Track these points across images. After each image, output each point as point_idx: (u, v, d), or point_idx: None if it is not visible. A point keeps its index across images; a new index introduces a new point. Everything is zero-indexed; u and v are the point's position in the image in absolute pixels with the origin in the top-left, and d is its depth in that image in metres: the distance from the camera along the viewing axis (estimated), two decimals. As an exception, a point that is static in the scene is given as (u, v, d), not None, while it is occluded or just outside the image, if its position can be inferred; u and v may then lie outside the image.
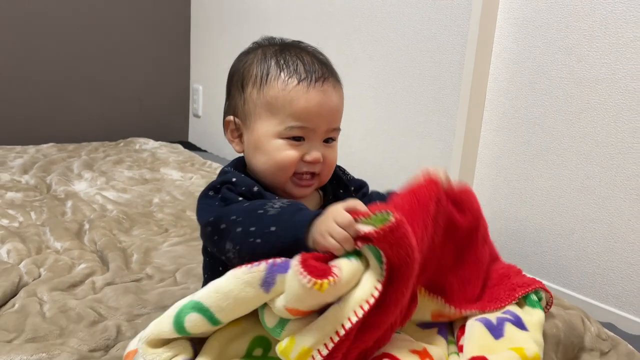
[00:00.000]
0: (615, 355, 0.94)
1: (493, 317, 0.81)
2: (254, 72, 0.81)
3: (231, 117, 0.84)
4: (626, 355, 0.94)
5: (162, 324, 0.65)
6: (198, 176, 1.91)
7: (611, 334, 1.00)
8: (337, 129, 0.84)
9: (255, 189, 0.77)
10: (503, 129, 1.41)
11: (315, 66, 0.80)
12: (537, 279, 1.29)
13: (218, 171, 2.16)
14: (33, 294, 0.99)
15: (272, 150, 0.79)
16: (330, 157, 0.82)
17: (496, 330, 0.78)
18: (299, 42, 0.85)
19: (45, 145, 2.18)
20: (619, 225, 1.20)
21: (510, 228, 1.41)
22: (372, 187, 0.97)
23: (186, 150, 2.33)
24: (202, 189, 1.66)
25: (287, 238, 0.64)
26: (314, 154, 0.79)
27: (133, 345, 0.71)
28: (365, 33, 1.73)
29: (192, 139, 2.75)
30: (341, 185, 0.92)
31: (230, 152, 2.45)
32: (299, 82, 0.78)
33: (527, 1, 1.32)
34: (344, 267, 0.61)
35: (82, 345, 0.83)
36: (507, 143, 1.41)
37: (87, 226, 1.36)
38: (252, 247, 0.66)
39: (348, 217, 0.62)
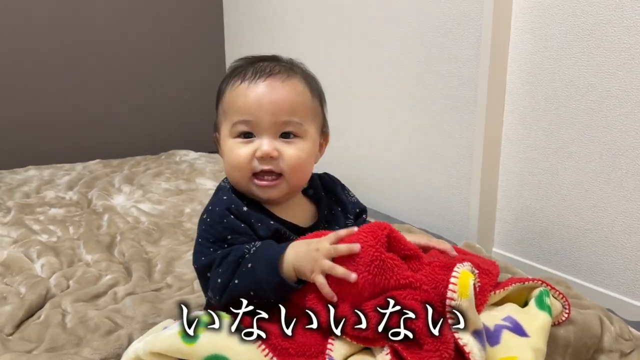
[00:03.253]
0: (638, 356, 0.89)
1: (491, 323, 0.79)
2: (221, 88, 0.85)
3: (214, 133, 0.88)
4: (649, 356, 0.89)
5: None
6: (231, 185, 1.95)
7: (637, 333, 0.95)
8: (293, 123, 0.79)
9: (245, 209, 0.79)
10: (525, 122, 1.36)
11: (267, 68, 0.80)
12: (569, 277, 1.25)
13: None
14: (58, 305, 1.05)
15: (227, 151, 0.80)
16: (289, 153, 0.78)
17: (492, 338, 0.76)
18: (274, 55, 0.85)
19: (91, 162, 2.30)
20: (648, 218, 1.14)
21: (538, 225, 1.36)
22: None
23: (224, 159, 2.39)
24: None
25: (262, 270, 0.70)
26: (263, 148, 0.77)
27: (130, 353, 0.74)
28: (383, 34, 1.72)
29: (232, 147, 2.82)
30: (339, 203, 0.90)
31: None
32: (241, 82, 0.79)
33: (541, -11, 1.28)
34: None
35: (95, 354, 0.88)
36: (530, 136, 1.36)
37: (118, 238, 1.43)
38: (231, 293, 0.73)
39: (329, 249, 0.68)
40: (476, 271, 0.75)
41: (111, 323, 0.98)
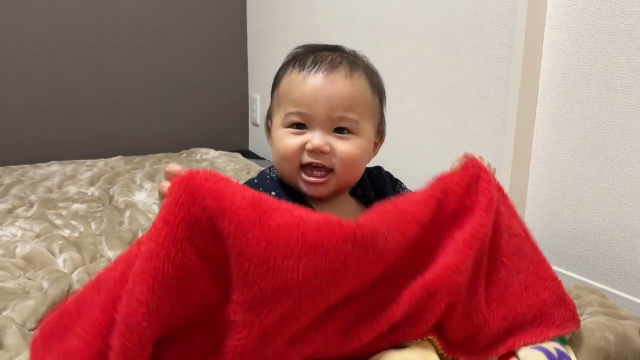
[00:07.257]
0: (679, 371, 0.85)
1: (551, 346, 0.73)
2: (278, 74, 0.82)
3: (266, 121, 0.86)
4: (691, 371, 0.85)
5: None
6: (252, 184, 1.94)
7: (677, 346, 0.90)
8: (349, 119, 0.76)
9: (273, 193, 0.76)
10: (558, 124, 1.32)
11: (328, 58, 0.76)
12: (600, 285, 1.21)
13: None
14: (80, 301, 1.03)
15: (277, 140, 0.78)
16: (342, 149, 0.75)
17: None
18: (337, 46, 0.82)
19: (113, 158, 2.30)
20: (689, 226, 1.09)
21: (569, 231, 1.32)
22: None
23: (244, 159, 2.37)
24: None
25: None
26: (314, 141, 0.74)
27: None
28: (410, 32, 1.69)
29: (252, 147, 2.80)
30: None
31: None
32: (300, 72, 0.76)
33: (578, -13, 1.24)
34: None
35: (117, 352, 0.86)
36: (562, 139, 1.32)
37: (140, 235, 1.42)
38: None
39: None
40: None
41: (133, 321, 0.96)
